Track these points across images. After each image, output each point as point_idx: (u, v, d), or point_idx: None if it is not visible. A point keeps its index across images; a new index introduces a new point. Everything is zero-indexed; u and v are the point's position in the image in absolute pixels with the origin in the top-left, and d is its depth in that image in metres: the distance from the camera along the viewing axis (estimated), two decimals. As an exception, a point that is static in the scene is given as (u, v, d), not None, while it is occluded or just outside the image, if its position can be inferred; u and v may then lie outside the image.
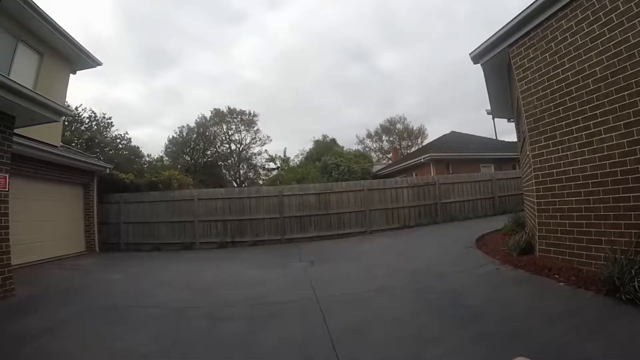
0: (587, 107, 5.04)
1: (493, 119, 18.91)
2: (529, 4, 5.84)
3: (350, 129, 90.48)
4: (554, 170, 5.69)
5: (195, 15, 69.59)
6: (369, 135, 55.17)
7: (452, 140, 25.91)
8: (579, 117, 5.17)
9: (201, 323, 4.76)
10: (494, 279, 5.78)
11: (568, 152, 5.41)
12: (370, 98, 77.14)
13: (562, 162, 5.53)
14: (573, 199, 5.38)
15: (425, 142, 45.52)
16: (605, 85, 4.78)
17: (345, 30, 74.69)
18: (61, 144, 12.13)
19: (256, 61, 73.57)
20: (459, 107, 73.32)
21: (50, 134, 10.49)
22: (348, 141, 73.75)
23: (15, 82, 5.87)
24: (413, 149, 46.35)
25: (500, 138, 28.01)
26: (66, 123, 20.47)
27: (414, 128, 53.73)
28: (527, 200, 8.33)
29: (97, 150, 20.23)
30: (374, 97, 76.85)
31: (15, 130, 7.05)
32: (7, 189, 6.17)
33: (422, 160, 21.95)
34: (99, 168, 13.24)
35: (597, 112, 4.90)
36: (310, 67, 75.44)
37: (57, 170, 11.02)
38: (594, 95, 4.93)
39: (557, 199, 5.69)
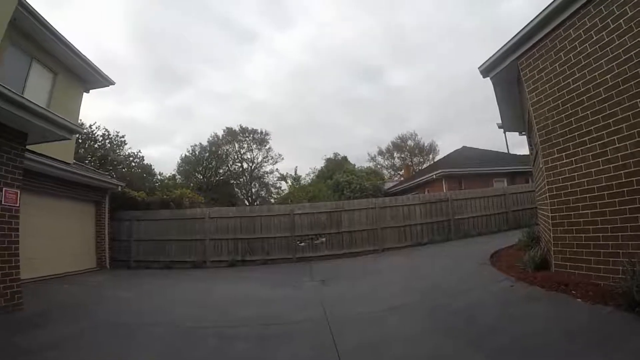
0: (600, 116, 4.93)
1: (504, 132, 18.76)
2: (536, 15, 5.80)
3: (361, 146, 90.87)
4: (568, 183, 5.55)
5: (207, 35, 71.37)
6: (380, 152, 55.22)
7: (464, 155, 25.78)
8: (592, 127, 5.06)
9: (212, 342, 4.69)
10: (510, 296, 5.60)
11: (582, 164, 5.28)
12: (381, 115, 77.67)
13: (576, 174, 5.40)
14: (588, 211, 5.23)
15: (437, 157, 45.49)
16: (617, 93, 4.67)
17: (354, 48, 75.74)
18: (74, 161, 12.28)
19: (267, 80, 74.97)
20: (469, 121, 73.20)
21: (64, 151, 10.64)
22: (359, 158, 74.00)
23: (28, 100, 5.95)
24: (425, 165, 46.19)
25: (512, 151, 27.71)
26: (80, 141, 20.76)
27: (425, 144, 53.73)
28: (541, 214, 8.16)
29: (110, 167, 20.47)
30: (384, 114, 77.36)
31: (29, 147, 7.15)
32: (18, 205, 6.21)
33: (434, 176, 21.83)
34: (111, 185, 13.38)
35: (610, 121, 4.79)
36: (320, 85, 76.62)
37: (69, 187, 11.14)
38: (606, 104, 4.83)
39: (572, 212, 5.54)
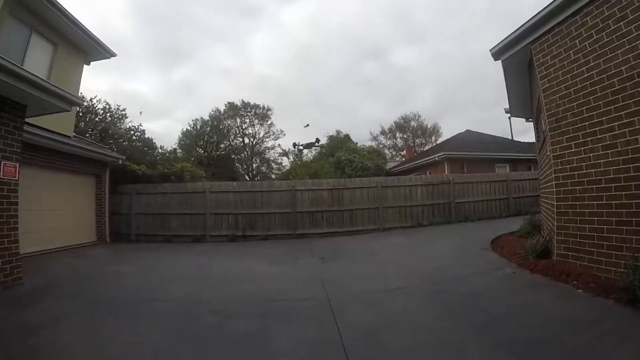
0: (612, 107, 4.83)
1: (510, 118, 18.63)
2: (553, 0, 5.63)
3: (364, 125, 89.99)
4: (576, 173, 5.48)
5: (211, 8, 70.04)
6: (383, 132, 54.93)
7: (467, 139, 25.58)
8: (604, 118, 4.96)
9: (211, 319, 4.67)
10: (512, 283, 5.61)
11: (591, 154, 5.19)
12: (384, 94, 76.89)
13: (584, 163, 5.32)
14: (594, 202, 5.17)
15: (440, 140, 45.31)
16: (632, 85, 4.57)
17: (360, 26, 74.45)
18: (74, 134, 12.20)
19: (270, 55, 74.00)
20: (474, 105, 72.54)
21: (64, 124, 10.56)
22: (362, 137, 73.50)
23: (26, 70, 5.85)
24: (427, 147, 45.96)
25: (515, 138, 27.62)
26: (81, 114, 20.69)
27: (428, 126, 53.35)
28: (544, 202, 8.11)
29: (111, 141, 20.40)
30: (387, 94, 76.48)
31: (28, 120, 7.07)
32: (17, 178, 6.16)
33: (437, 158, 21.68)
34: (111, 159, 13.31)
35: (622, 113, 4.69)
36: (324, 63, 75.43)
37: (69, 160, 11.08)
38: (620, 96, 4.72)
39: (577, 202, 5.48)
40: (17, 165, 6.16)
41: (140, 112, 67.22)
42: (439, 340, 3.78)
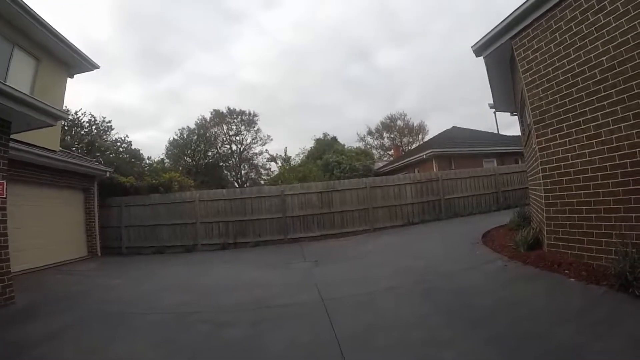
0: (595, 97, 4.91)
1: (495, 113, 18.80)
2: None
3: (351, 126, 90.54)
4: (562, 164, 5.56)
5: (194, 16, 69.87)
6: (370, 133, 55.17)
7: (454, 135, 25.77)
8: (587, 109, 5.04)
9: (204, 328, 4.66)
10: (504, 276, 5.66)
11: (576, 145, 5.28)
12: (370, 95, 77.23)
13: (569, 154, 5.40)
14: (582, 192, 5.25)
15: (426, 138, 45.60)
16: (613, 75, 4.65)
17: (345, 26, 74.66)
18: (60, 148, 12.06)
19: (255, 61, 74.20)
20: (459, 102, 73.24)
21: (49, 139, 10.43)
22: (349, 139, 73.41)
23: (9, 86, 5.79)
24: (414, 146, 46.24)
25: (501, 132, 27.89)
26: (66, 128, 20.47)
27: (415, 124, 53.69)
28: (533, 194, 8.21)
29: (98, 154, 20.17)
30: (373, 94, 76.82)
31: (14, 136, 6.97)
32: (5, 196, 6.08)
33: (424, 156, 21.81)
34: (99, 172, 13.18)
35: (605, 102, 4.77)
36: (310, 66, 75.78)
37: (57, 175, 10.95)
38: (601, 86, 4.80)
39: (565, 193, 5.56)
40: (4, 182, 6.08)
41: None
42: (431, 336, 3.80)
